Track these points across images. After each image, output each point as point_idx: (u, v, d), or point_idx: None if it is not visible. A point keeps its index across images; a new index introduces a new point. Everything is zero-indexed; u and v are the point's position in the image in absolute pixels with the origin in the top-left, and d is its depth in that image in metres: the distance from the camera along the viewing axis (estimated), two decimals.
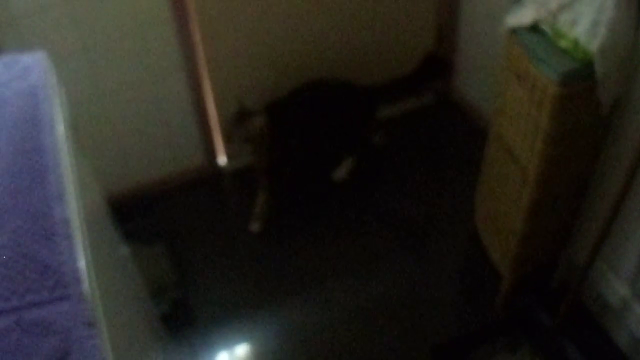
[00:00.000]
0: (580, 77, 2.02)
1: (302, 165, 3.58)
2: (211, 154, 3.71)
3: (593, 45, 1.99)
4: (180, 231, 3.50)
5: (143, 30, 3.10)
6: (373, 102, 3.48)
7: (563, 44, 2.05)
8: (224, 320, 3.09)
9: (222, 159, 3.78)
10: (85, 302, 0.96)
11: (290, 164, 3.54)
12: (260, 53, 3.46)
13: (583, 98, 2.07)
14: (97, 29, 3.01)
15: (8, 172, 1.16)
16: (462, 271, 3.18)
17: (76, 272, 0.99)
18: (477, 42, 3.58)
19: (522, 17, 2.18)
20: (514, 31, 2.21)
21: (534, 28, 2.15)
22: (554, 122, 2.10)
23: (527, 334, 2.80)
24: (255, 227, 3.44)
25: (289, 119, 3.34)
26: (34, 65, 1.44)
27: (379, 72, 3.70)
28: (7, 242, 1.03)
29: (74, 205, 1.15)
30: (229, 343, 3.01)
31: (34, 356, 0.90)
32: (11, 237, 1.04)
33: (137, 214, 3.50)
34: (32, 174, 1.15)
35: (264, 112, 3.26)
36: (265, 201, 3.43)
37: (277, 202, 3.48)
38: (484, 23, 3.44)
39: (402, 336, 2.93)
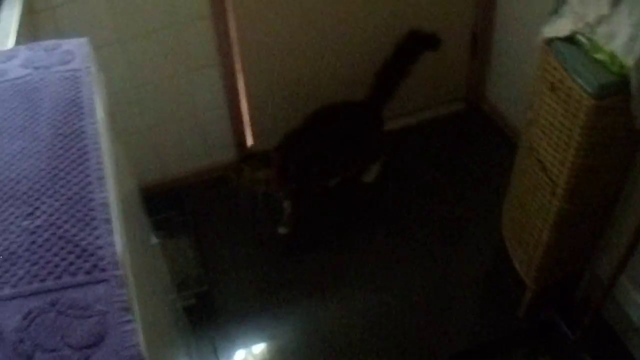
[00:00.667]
0: (615, 91, 2.01)
1: (326, 189, 3.59)
2: (242, 149, 3.72)
3: (630, 59, 1.98)
4: (207, 225, 3.52)
5: (180, 22, 3.12)
6: (376, 105, 3.50)
7: (600, 56, 2.04)
8: (245, 316, 3.10)
9: None
10: (122, 286, 0.96)
11: (313, 192, 3.54)
12: (297, 51, 3.48)
13: (617, 111, 2.06)
14: (134, 19, 3.03)
15: (48, 155, 1.17)
16: (485, 279, 3.17)
17: (114, 256, 1.00)
18: (511, 53, 3.58)
19: (559, 28, 2.17)
20: (550, 42, 2.21)
21: (571, 39, 2.14)
22: (587, 134, 2.09)
23: (547, 347, 2.79)
24: (283, 230, 3.46)
25: (304, 157, 3.35)
26: (75, 50, 1.45)
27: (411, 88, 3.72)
28: (44, 224, 1.04)
29: (112, 190, 1.16)
30: (248, 339, 3.02)
31: (69, 337, 0.90)
32: (49, 219, 1.05)
33: (166, 206, 3.52)
34: (72, 158, 1.16)
35: (273, 156, 3.29)
36: (292, 211, 3.45)
37: (304, 210, 3.51)
38: (519, 33, 3.43)
39: (422, 341, 2.93)
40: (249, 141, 3.72)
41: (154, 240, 2.03)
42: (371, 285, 3.17)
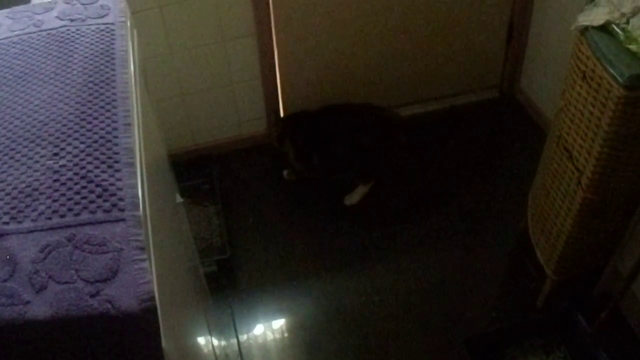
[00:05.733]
0: None
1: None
2: (273, 122, 3.73)
3: None
4: (233, 195, 3.55)
5: None
6: (398, 133, 3.48)
7: (633, 47, 2.03)
8: (264, 287, 3.13)
9: None
10: (139, 226, 0.99)
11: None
12: (332, 33, 3.49)
13: None
14: None
15: (77, 101, 1.20)
16: (507, 267, 3.18)
17: (133, 197, 1.03)
18: (546, 43, 3.57)
19: (594, 17, 2.17)
20: (585, 30, 2.20)
21: (605, 29, 2.14)
22: (615, 125, 2.09)
23: (563, 338, 2.79)
24: (287, 175, 3.66)
25: (302, 136, 3.46)
26: (111, 5, 1.48)
27: (447, 73, 3.76)
28: (68, 164, 1.07)
29: (138, 137, 1.18)
30: (267, 309, 3.05)
31: (83, 271, 0.93)
32: (73, 159, 1.08)
33: (194, 173, 3.55)
34: (100, 104, 1.19)
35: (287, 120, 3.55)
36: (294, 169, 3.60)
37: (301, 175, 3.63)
38: (555, 24, 3.42)
39: (439, 323, 2.95)
40: (281, 115, 3.74)
41: (179, 198, 2.05)
42: (393, 265, 3.19)
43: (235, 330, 2.96)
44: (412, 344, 2.89)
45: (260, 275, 3.19)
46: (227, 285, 3.10)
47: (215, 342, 2.76)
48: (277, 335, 3.00)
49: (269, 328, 3.02)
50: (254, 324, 3.02)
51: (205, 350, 2.15)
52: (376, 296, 3.06)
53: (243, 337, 2.97)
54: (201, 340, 2.07)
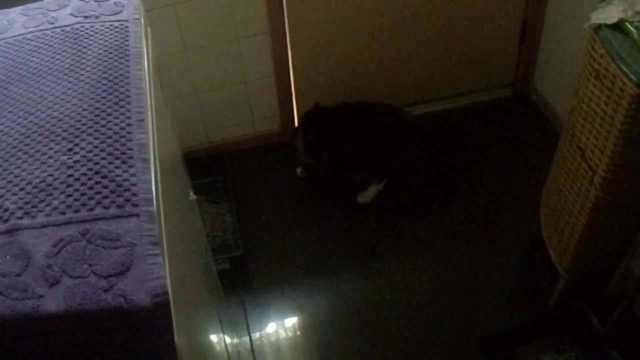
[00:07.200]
0: None
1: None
2: (287, 120, 3.75)
3: None
4: (247, 193, 3.55)
5: None
6: (411, 132, 3.45)
7: None
8: (277, 284, 3.13)
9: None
10: (153, 222, 1.00)
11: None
12: (346, 31, 3.48)
13: None
14: None
15: (91, 97, 1.20)
16: (520, 265, 3.17)
17: (147, 193, 1.03)
18: (560, 41, 3.56)
19: (608, 15, 2.16)
20: (598, 28, 2.20)
21: (619, 27, 2.13)
22: (629, 124, 2.08)
23: (575, 337, 2.79)
24: (300, 173, 3.65)
25: (319, 132, 3.44)
26: (125, 2, 1.49)
27: (460, 72, 3.79)
28: (82, 159, 1.08)
29: (152, 133, 1.19)
30: (279, 307, 3.05)
31: (96, 266, 0.94)
32: (87, 155, 1.09)
33: (208, 171, 3.55)
34: (114, 100, 1.20)
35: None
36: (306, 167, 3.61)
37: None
38: (569, 22, 3.41)
39: (452, 321, 2.94)
40: (295, 113, 3.74)
41: (192, 195, 2.05)
42: (405, 263, 3.19)
43: (248, 328, 2.96)
44: (425, 342, 2.89)
45: (273, 273, 3.19)
46: (239, 283, 3.11)
47: (228, 339, 2.76)
48: (290, 333, 3.00)
49: (281, 326, 3.02)
50: (267, 322, 3.02)
51: (218, 348, 2.16)
52: (389, 294, 3.06)
53: (255, 335, 2.97)
54: (213, 337, 2.08)
